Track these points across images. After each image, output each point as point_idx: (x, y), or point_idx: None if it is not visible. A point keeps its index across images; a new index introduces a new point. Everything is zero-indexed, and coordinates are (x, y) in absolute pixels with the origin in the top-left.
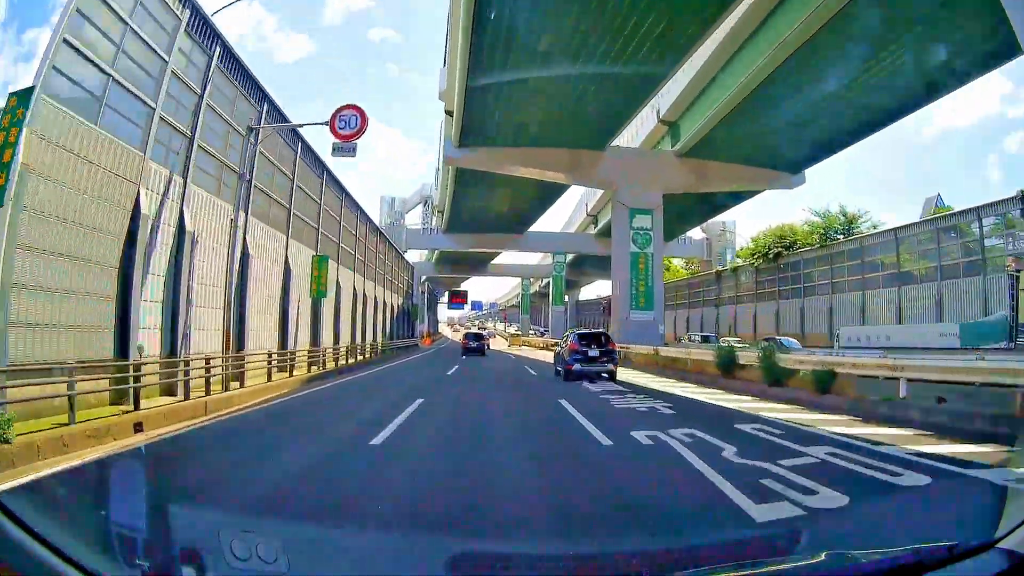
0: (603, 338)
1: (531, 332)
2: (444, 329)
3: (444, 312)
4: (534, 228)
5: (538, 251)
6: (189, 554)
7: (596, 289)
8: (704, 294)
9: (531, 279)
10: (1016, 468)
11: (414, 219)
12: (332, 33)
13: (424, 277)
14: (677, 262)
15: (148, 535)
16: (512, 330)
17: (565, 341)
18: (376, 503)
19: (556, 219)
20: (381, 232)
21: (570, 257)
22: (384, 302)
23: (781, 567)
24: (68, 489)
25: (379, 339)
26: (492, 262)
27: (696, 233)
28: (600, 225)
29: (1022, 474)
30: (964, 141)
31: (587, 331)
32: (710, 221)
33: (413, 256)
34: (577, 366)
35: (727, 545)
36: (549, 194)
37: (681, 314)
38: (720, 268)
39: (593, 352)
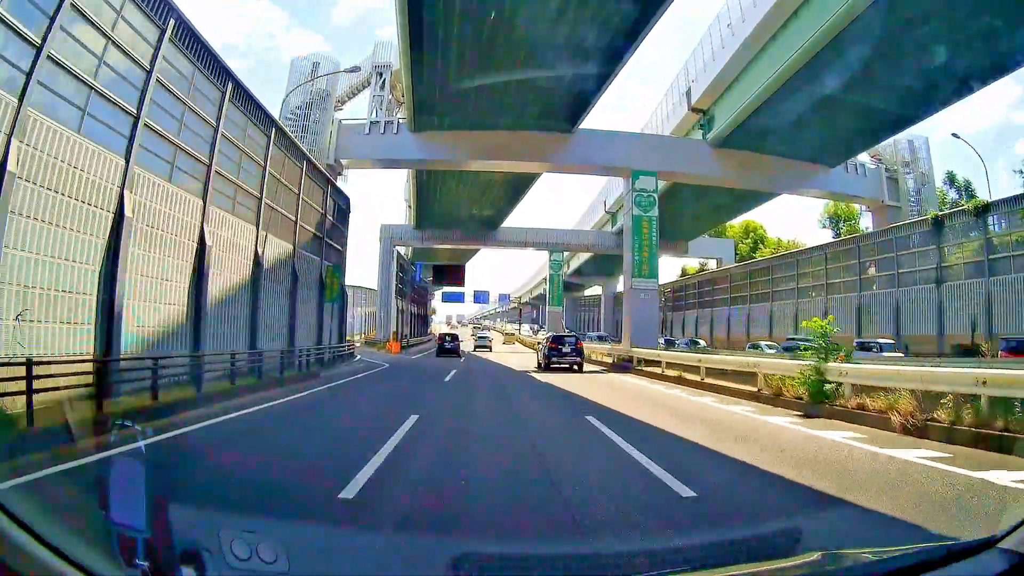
0: (573, 338)
1: None
2: (442, 329)
3: (444, 310)
4: (587, 124)
5: (604, 168)
6: (189, 554)
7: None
8: (880, 264)
9: (565, 253)
10: (1016, 469)
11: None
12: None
13: (405, 250)
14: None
15: (148, 535)
16: (537, 332)
17: (545, 342)
18: None
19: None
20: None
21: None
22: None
23: (781, 566)
24: (68, 489)
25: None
26: (503, 224)
27: (865, 159)
28: (716, 130)
29: (1022, 474)
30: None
31: (559, 334)
32: (887, 141)
33: (383, 214)
34: (554, 359)
35: (726, 544)
36: None
37: (815, 303)
38: (938, 212)
39: (565, 349)
